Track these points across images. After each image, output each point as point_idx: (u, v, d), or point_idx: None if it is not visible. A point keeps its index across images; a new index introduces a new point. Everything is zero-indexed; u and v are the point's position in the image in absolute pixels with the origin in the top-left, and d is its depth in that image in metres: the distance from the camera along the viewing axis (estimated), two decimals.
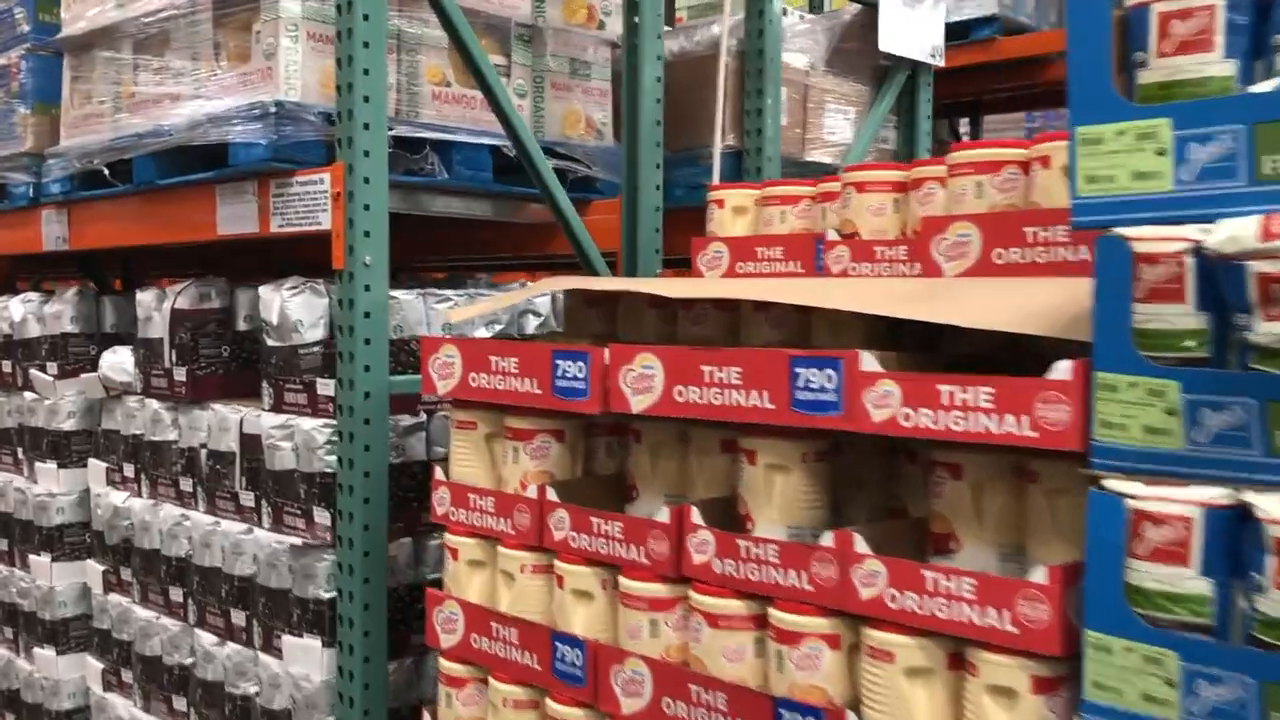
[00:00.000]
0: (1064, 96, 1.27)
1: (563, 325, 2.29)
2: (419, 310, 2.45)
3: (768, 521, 1.64)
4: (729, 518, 1.69)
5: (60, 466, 3.22)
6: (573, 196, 2.61)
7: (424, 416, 2.45)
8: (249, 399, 2.75)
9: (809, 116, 3.23)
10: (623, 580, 1.74)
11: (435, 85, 2.52)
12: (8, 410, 3.47)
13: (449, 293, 2.53)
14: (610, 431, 2.01)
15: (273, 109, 2.28)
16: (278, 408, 2.47)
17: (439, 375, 2.00)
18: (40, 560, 3.23)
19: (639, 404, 1.71)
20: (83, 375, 3.21)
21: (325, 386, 2.35)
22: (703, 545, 1.64)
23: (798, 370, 1.52)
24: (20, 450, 3.40)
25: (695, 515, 1.65)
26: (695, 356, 1.64)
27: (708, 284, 2.02)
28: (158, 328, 2.83)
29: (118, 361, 3.00)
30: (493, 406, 1.97)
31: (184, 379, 2.75)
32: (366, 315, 2.20)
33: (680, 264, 2.95)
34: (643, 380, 1.70)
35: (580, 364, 1.78)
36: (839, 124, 3.34)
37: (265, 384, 2.50)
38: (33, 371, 3.29)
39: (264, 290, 2.48)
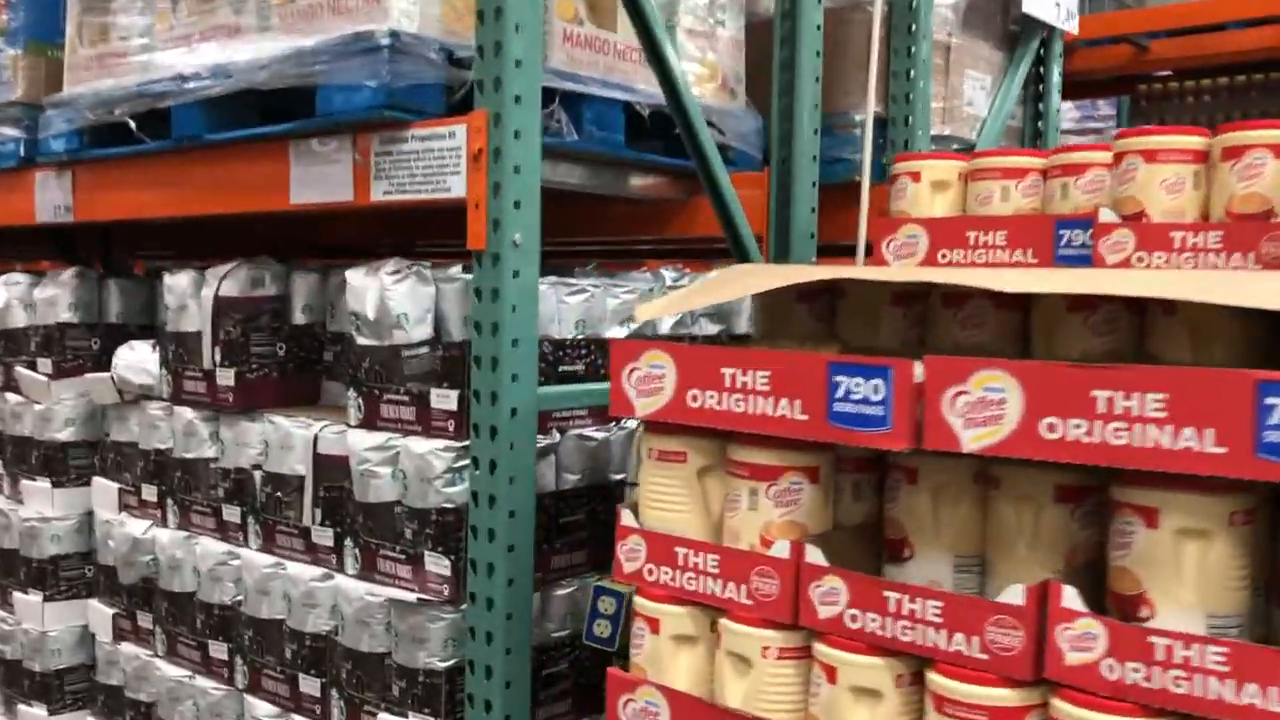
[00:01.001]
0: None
1: (758, 326, 1.82)
2: (550, 303, 1.96)
3: (1177, 607, 1.18)
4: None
5: (55, 485, 2.65)
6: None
7: (556, 435, 1.95)
8: (310, 408, 2.23)
9: (950, 83, 2.79)
10: (938, 680, 1.27)
11: (567, 23, 2.01)
12: None
13: (584, 283, 2.03)
14: (859, 468, 1.54)
15: (385, 41, 1.76)
16: (371, 423, 1.95)
17: (638, 391, 1.51)
18: (28, 599, 2.67)
19: (977, 441, 1.24)
20: (86, 375, 2.65)
21: (443, 399, 1.84)
22: (1084, 640, 1.18)
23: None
24: (1, 464, 2.82)
25: (1069, 597, 1.20)
26: (1071, 377, 1.18)
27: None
28: (194, 319, 2.29)
29: (137, 360, 2.45)
30: (710, 434, 1.49)
31: (230, 382, 2.22)
32: (514, 309, 1.70)
33: (827, 251, 2.50)
34: (984, 409, 1.23)
35: (878, 382, 1.31)
36: (976, 94, 2.89)
37: (352, 393, 1.98)
38: (19, 369, 2.72)
39: (355, 275, 1.96)
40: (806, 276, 1.59)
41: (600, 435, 2.03)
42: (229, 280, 2.24)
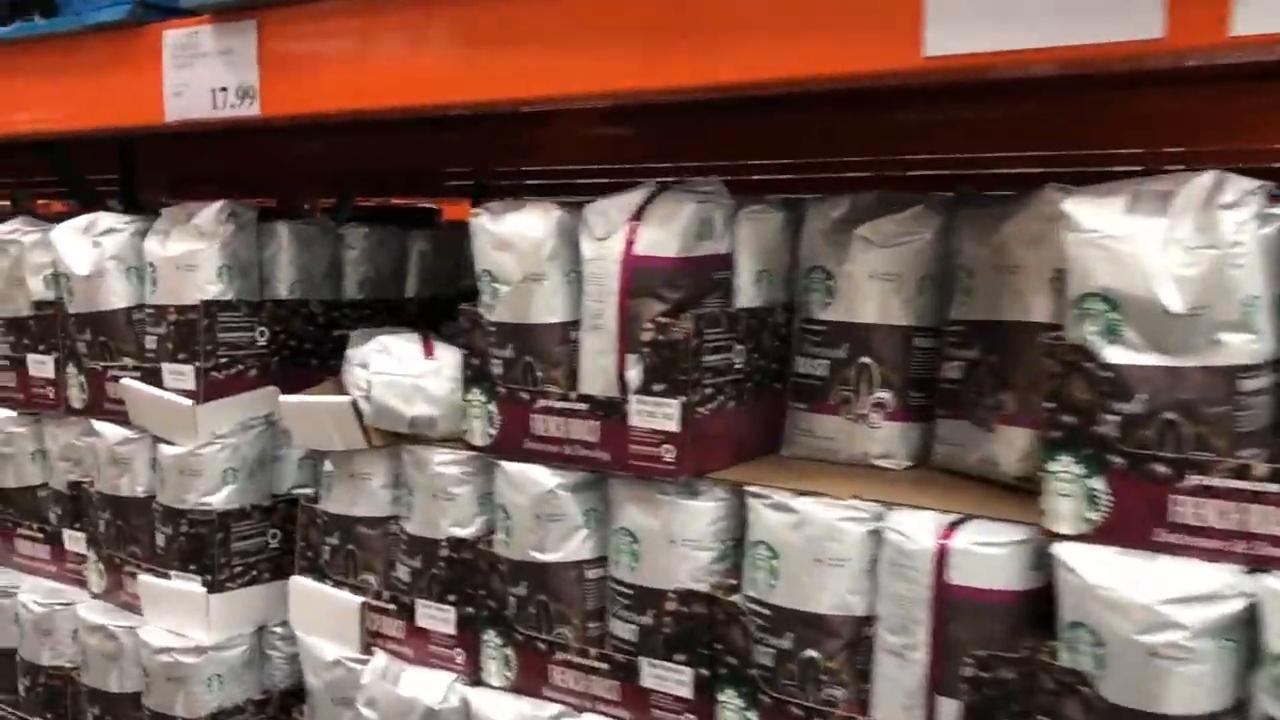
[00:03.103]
0: None
1: None
2: None
3: None
4: None
5: (212, 589, 1.52)
6: None
7: None
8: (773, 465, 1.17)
9: None
10: None
11: None
12: (42, 454, 1.74)
13: None
14: None
15: None
16: None
17: None
18: None
19: None
20: (256, 392, 1.52)
21: None
22: None
23: None
24: (92, 550, 1.67)
25: None
26: None
27: None
28: (555, 297, 1.19)
29: (401, 369, 1.33)
30: None
31: (671, 423, 1.14)
32: None
33: None
34: None
35: None
36: None
37: None
38: (128, 382, 1.57)
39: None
40: None
41: None
42: (654, 226, 1.15)
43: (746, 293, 1.21)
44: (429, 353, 1.36)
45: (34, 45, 1.57)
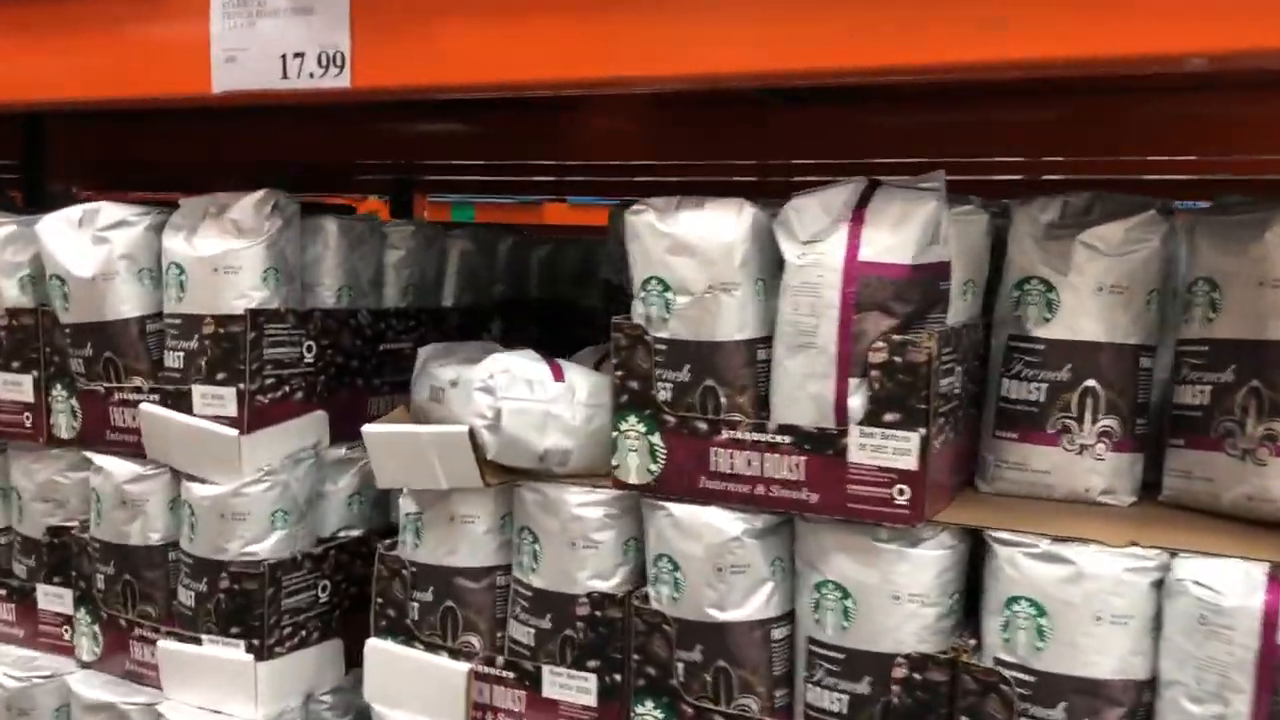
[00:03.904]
0: None
1: None
2: None
3: None
4: None
5: (260, 655, 1.26)
6: None
7: None
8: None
9: None
10: None
11: None
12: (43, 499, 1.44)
13: None
14: None
15: None
16: None
17: None
18: None
19: None
20: (308, 414, 1.27)
21: None
22: None
23: None
24: (78, 607, 1.37)
25: None
26: None
27: None
28: (729, 314, 1.01)
29: (531, 396, 1.12)
30: None
31: (911, 462, 0.97)
32: None
33: None
34: None
35: None
36: None
37: None
38: (148, 408, 1.29)
39: None
40: None
41: None
42: (883, 228, 0.98)
43: (955, 305, 1.06)
44: (558, 375, 1.15)
45: None
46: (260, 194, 1.29)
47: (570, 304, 1.87)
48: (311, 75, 1.14)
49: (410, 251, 1.48)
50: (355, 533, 1.39)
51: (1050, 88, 1.66)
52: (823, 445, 1.00)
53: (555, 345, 1.34)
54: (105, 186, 3.16)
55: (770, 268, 1.04)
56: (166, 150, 2.50)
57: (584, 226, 4.90)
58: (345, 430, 1.38)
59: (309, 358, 1.32)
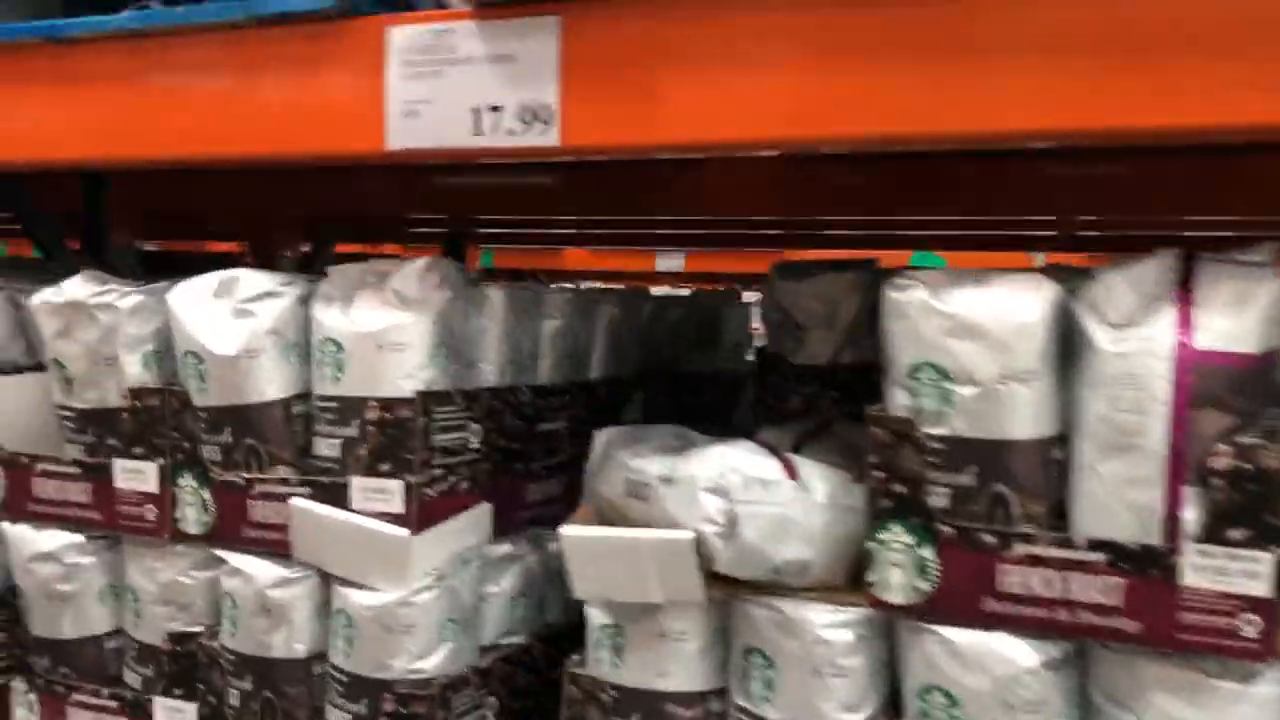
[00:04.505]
0: None
1: None
2: None
3: None
4: None
5: None
6: None
7: None
8: None
9: None
10: None
11: None
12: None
13: None
14: None
15: None
16: None
17: None
18: None
19: None
20: (474, 508, 1.12)
21: None
22: None
23: None
24: None
25: None
26: None
27: None
28: (1021, 407, 0.86)
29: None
30: None
31: None
32: None
33: None
34: None
35: None
36: None
37: None
38: (298, 503, 1.14)
39: None
40: None
41: None
42: (1220, 311, 0.83)
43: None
44: (790, 472, 1.00)
45: (163, 41, 1.14)
46: (424, 262, 1.14)
47: (707, 372, 1.73)
48: (511, 132, 1.00)
49: (566, 320, 1.34)
50: (517, 639, 1.23)
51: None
52: (1147, 565, 0.85)
53: (697, 417, 1.21)
54: (163, 236, 3.02)
55: (1064, 354, 0.90)
56: (217, 200, 2.38)
57: (608, 272, 4.77)
58: (505, 523, 1.23)
59: (474, 443, 1.17)
